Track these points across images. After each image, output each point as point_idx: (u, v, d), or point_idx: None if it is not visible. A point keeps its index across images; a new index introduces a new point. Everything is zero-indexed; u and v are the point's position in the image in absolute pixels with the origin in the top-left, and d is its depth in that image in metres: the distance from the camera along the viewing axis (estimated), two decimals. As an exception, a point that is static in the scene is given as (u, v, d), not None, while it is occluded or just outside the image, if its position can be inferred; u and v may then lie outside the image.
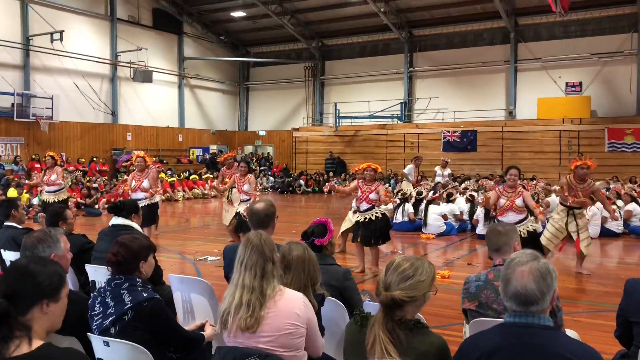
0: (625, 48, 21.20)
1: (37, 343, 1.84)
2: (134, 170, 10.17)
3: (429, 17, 24.17)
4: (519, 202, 7.33)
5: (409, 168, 15.18)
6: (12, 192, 14.87)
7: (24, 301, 1.95)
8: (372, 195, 7.73)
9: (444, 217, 11.58)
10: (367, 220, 7.70)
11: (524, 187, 7.96)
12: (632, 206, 11.61)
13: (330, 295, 3.39)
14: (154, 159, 22.39)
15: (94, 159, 21.16)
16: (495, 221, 7.37)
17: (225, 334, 2.61)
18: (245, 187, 9.52)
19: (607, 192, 12.56)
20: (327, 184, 8.55)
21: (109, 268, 2.97)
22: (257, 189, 9.85)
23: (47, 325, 2.04)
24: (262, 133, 29.11)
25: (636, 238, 10.99)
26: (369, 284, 7.08)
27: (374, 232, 7.71)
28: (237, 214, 9.44)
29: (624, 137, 20.54)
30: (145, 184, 9.58)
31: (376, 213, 7.73)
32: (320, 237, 3.79)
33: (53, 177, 10.60)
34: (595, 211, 10.95)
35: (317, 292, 2.99)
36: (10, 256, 4.87)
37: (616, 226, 11.14)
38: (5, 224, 5.32)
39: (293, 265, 2.95)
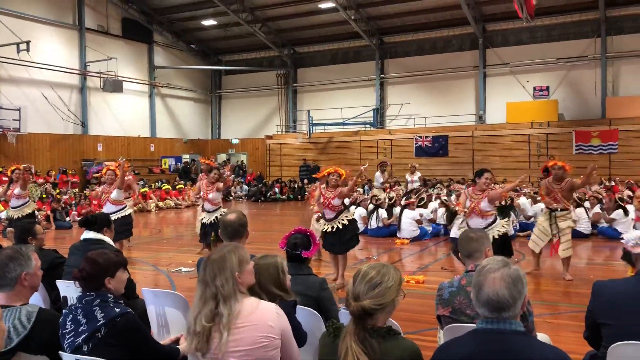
0: (590, 52, 21.74)
1: None
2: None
3: (399, 24, 24.43)
4: (484, 204, 7.14)
5: (376, 175, 15.39)
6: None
7: None
8: (335, 201, 7.52)
9: (418, 222, 11.67)
10: (334, 229, 7.53)
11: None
12: (597, 209, 11.87)
13: (307, 306, 3.40)
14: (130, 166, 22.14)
15: (66, 171, 20.79)
16: (466, 224, 7.36)
17: (192, 351, 2.58)
18: (211, 196, 9.34)
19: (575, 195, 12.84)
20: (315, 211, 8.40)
21: (76, 284, 2.93)
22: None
23: None
24: (235, 141, 28.99)
25: (604, 239, 11.23)
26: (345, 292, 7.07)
27: (342, 240, 7.52)
28: (202, 223, 9.36)
29: (590, 140, 21.02)
30: (115, 194, 9.21)
31: (342, 220, 7.54)
32: (306, 249, 3.79)
33: (17, 190, 10.23)
34: (581, 212, 11.19)
35: (290, 299, 2.98)
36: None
37: (585, 227, 11.38)
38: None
39: (263, 279, 2.94)
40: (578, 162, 20.73)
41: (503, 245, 7.05)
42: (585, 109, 21.88)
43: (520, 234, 11.55)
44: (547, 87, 22.59)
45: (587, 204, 12.05)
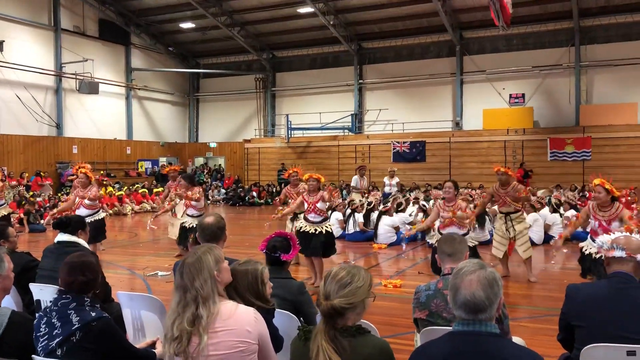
0: (564, 61, 22.14)
1: None
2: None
3: (377, 30, 24.60)
4: (459, 214, 7.21)
5: (354, 179, 15.46)
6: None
7: None
8: (319, 205, 7.67)
9: (396, 228, 11.74)
10: (316, 232, 7.63)
11: (470, 197, 8.13)
12: (570, 213, 12.06)
13: (285, 309, 3.40)
14: (101, 172, 21.88)
15: (42, 173, 20.44)
16: (438, 232, 7.44)
17: (169, 356, 2.56)
18: (194, 203, 9.30)
19: (549, 199, 13.06)
20: (277, 214, 8.48)
21: (62, 289, 2.88)
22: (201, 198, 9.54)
23: None
24: (213, 145, 28.83)
25: (578, 244, 11.38)
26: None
27: (322, 244, 7.60)
28: (182, 227, 9.29)
29: (564, 147, 21.38)
30: (89, 197, 9.10)
31: (327, 227, 7.69)
32: (286, 253, 3.78)
33: None
34: (536, 217, 11.35)
35: (268, 307, 2.96)
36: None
37: (559, 233, 11.53)
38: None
39: (240, 286, 2.91)
40: (553, 169, 21.26)
41: (474, 256, 7.15)
42: (559, 117, 22.27)
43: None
44: (523, 95, 22.94)
45: (561, 209, 12.25)
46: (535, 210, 11.66)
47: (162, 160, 27.15)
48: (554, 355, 3.39)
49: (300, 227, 7.77)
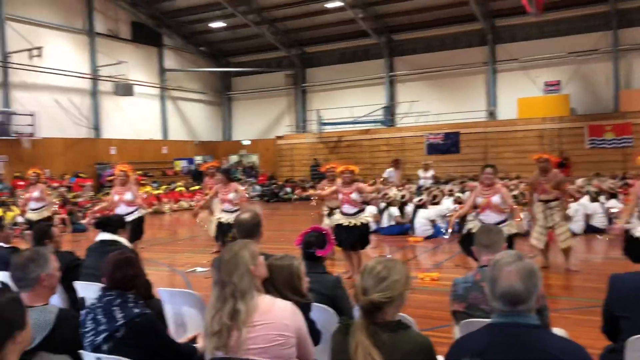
0: (601, 46, 21.53)
1: None
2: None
3: (407, 21, 24.35)
4: (495, 199, 7.11)
5: (389, 172, 15.34)
6: (-4, 212, 14.69)
7: None
8: (354, 196, 7.66)
9: (433, 221, 11.64)
10: (351, 225, 7.65)
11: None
12: (612, 203, 11.76)
13: (322, 304, 3.41)
14: (139, 172, 22.31)
15: (81, 175, 20.98)
16: (477, 219, 7.35)
17: (209, 350, 2.61)
18: (231, 196, 9.40)
19: (589, 188, 12.75)
20: (310, 195, 8.53)
21: (106, 286, 2.97)
22: (245, 195, 9.64)
23: (20, 352, 2.01)
24: (246, 142, 29.08)
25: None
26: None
27: (356, 237, 7.63)
28: (219, 223, 9.39)
29: (603, 134, 20.83)
30: (128, 196, 9.24)
31: (362, 219, 7.70)
32: (321, 248, 3.80)
33: (35, 193, 10.33)
34: (577, 207, 11.11)
35: (305, 300, 2.99)
36: (-2, 276, 4.83)
37: (600, 222, 11.31)
38: (-10, 244, 5.28)
39: (277, 281, 2.94)
40: (592, 157, 20.74)
41: (510, 247, 7.01)
42: (597, 103, 21.70)
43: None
44: (558, 82, 22.41)
45: (602, 198, 11.96)
46: (574, 200, 11.41)
47: (198, 158, 27.51)
48: (598, 347, 3.33)
49: (337, 221, 7.80)
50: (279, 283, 2.93)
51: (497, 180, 7.49)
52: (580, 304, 6.29)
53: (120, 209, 9.03)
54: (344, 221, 7.69)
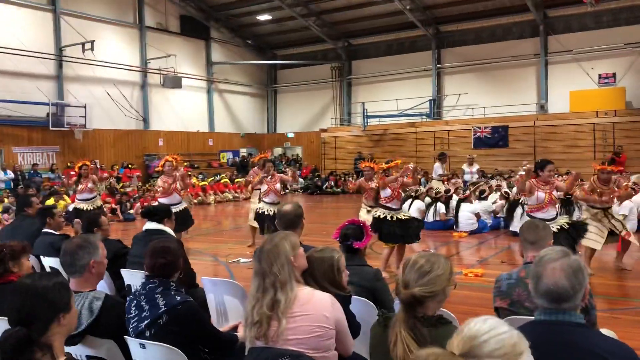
0: (660, 36, 20.62)
1: (60, 359, 1.89)
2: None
3: (456, 12, 23.91)
4: (555, 194, 6.98)
5: (435, 166, 15.15)
6: (50, 201, 15.25)
7: (41, 322, 1.97)
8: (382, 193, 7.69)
9: (477, 215, 11.45)
10: (403, 219, 7.62)
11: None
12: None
13: (361, 296, 3.40)
14: (185, 163, 22.76)
15: (129, 166, 21.56)
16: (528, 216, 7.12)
17: (250, 340, 2.63)
18: (278, 186, 9.50)
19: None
20: (349, 184, 8.52)
21: (148, 273, 3.04)
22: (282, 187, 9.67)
23: (65, 335, 2.07)
24: (290, 135, 29.24)
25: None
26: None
27: (410, 230, 7.60)
28: (257, 213, 9.45)
29: (661, 128, 19.98)
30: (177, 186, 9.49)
31: (405, 215, 7.68)
32: (357, 240, 3.79)
33: (90, 185, 10.66)
34: (630, 205, 10.69)
35: (344, 293, 2.97)
36: (49, 262, 5.02)
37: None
38: (43, 230, 5.48)
39: (317, 273, 2.94)
40: (648, 152, 19.91)
41: (567, 235, 6.73)
42: (655, 96, 20.81)
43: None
44: (614, 74, 21.59)
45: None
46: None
47: (243, 151, 27.85)
48: (649, 349, 3.20)
49: (379, 215, 7.75)
50: (318, 275, 2.92)
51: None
52: (632, 304, 6.06)
53: (169, 199, 9.24)
54: (393, 215, 7.62)
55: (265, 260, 2.64)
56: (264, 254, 2.67)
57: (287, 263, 2.63)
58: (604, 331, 2.96)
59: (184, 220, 9.33)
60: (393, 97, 25.26)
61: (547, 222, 6.10)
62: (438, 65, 25.11)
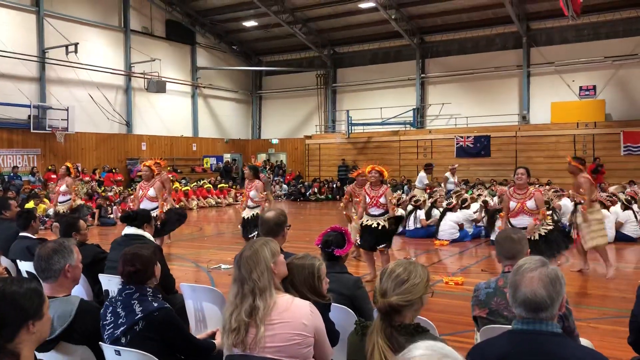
0: (640, 51, 21.00)
1: None
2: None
3: (440, 23, 24.15)
4: (530, 204, 7.10)
5: (420, 176, 15.26)
6: (30, 204, 15.04)
7: (9, 328, 1.88)
8: (382, 200, 7.65)
9: (460, 225, 11.51)
10: (376, 225, 7.61)
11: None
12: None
13: (341, 304, 3.39)
14: (169, 168, 22.60)
15: (113, 170, 21.37)
16: (508, 225, 7.24)
17: (227, 347, 2.60)
18: (252, 194, 9.40)
19: (622, 195, 12.41)
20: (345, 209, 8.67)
21: (122, 280, 3.00)
22: (264, 195, 9.59)
23: (35, 343, 1.99)
24: (275, 141, 29.21)
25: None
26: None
27: (378, 237, 7.60)
28: (242, 218, 9.42)
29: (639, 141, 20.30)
30: (151, 192, 9.35)
31: (387, 220, 7.66)
32: (339, 248, 3.78)
33: (62, 187, 10.66)
34: (607, 214, 10.84)
35: (324, 301, 2.96)
36: (25, 266, 4.94)
37: (633, 231, 11.02)
38: (20, 234, 5.40)
39: (297, 280, 2.92)
40: (627, 164, 20.24)
41: (546, 244, 6.94)
42: (634, 109, 21.15)
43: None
44: (594, 87, 21.94)
45: (635, 207, 11.64)
46: (607, 208, 11.14)
47: (227, 156, 27.75)
48: (625, 359, 3.23)
49: (363, 222, 7.77)
50: (298, 282, 2.90)
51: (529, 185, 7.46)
52: (609, 313, 6.12)
53: (144, 204, 9.17)
54: (371, 221, 7.66)
55: (245, 266, 2.62)
56: (243, 260, 2.64)
57: (267, 270, 2.61)
58: (582, 341, 2.99)
59: (162, 224, 9.26)
60: (377, 106, 25.40)
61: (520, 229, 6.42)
62: (422, 75, 25.30)
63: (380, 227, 7.60)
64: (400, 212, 12.27)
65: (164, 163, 10.11)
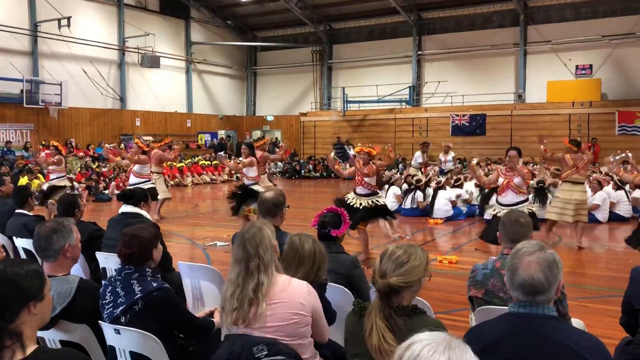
0: (638, 30, 20.89)
1: (30, 348, 1.84)
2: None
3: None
4: (517, 180, 7.35)
5: (417, 155, 15.30)
6: (23, 180, 14.98)
7: (10, 309, 1.89)
8: (367, 179, 7.66)
9: (453, 203, 11.57)
10: (361, 205, 7.61)
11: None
12: (638, 193, 11.50)
13: (338, 283, 3.42)
14: (163, 144, 22.50)
15: (108, 145, 21.24)
16: (496, 201, 7.51)
17: (227, 326, 2.63)
18: (248, 172, 9.34)
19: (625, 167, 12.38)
20: (328, 158, 8.56)
21: (121, 260, 3.01)
22: (267, 171, 9.64)
23: (37, 324, 2.00)
24: (269, 118, 29.08)
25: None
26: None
27: (362, 216, 7.58)
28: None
29: (634, 120, 20.34)
30: (137, 168, 9.81)
31: (376, 201, 7.69)
32: (336, 228, 3.80)
33: (52, 167, 10.85)
34: (604, 196, 10.94)
35: (320, 280, 3.00)
36: (22, 243, 4.94)
37: (625, 210, 11.11)
38: (17, 211, 5.39)
39: (305, 260, 2.96)
40: (621, 144, 20.25)
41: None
42: (630, 89, 21.15)
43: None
44: (590, 66, 21.89)
45: (627, 186, 11.72)
46: (600, 187, 11.23)
47: (221, 133, 27.64)
48: (616, 338, 3.29)
49: (348, 200, 7.77)
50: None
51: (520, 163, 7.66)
52: (601, 293, 6.21)
53: (131, 179, 9.47)
54: (356, 201, 7.67)
55: (251, 242, 2.62)
56: (248, 238, 2.65)
57: (271, 247, 2.65)
58: (575, 322, 3.04)
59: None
60: (373, 83, 25.25)
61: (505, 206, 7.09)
62: (418, 52, 25.13)
63: (361, 207, 7.60)
64: (392, 190, 12.41)
65: (156, 145, 10.39)
